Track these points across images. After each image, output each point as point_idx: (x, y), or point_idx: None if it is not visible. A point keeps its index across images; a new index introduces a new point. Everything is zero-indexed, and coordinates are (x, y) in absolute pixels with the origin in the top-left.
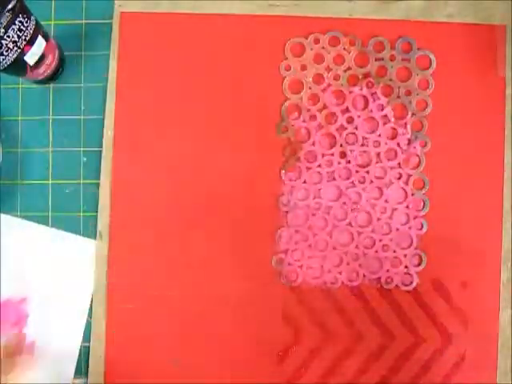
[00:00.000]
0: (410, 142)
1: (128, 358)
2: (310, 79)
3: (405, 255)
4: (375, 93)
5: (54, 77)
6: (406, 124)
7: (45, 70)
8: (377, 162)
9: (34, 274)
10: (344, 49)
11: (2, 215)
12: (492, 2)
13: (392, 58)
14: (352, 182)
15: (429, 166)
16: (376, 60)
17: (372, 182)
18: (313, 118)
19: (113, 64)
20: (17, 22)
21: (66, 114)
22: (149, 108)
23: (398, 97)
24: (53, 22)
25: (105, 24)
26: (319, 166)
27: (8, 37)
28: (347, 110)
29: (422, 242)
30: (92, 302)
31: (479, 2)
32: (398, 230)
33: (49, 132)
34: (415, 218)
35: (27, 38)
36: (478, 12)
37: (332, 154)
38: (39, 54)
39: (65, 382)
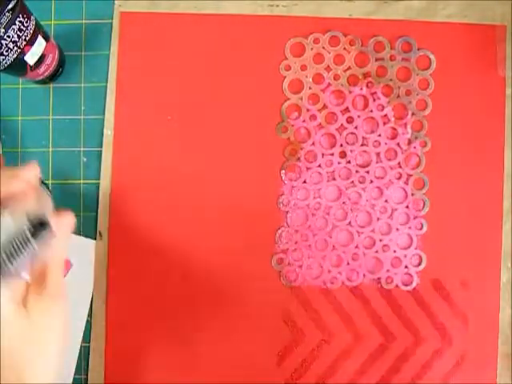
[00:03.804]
0: (409, 142)
1: (128, 359)
2: (310, 79)
3: (405, 255)
4: (375, 93)
5: (53, 77)
6: (406, 124)
7: (45, 70)
8: (377, 162)
9: None
10: (344, 49)
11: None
12: (492, 2)
13: (392, 58)
14: (352, 182)
15: (429, 166)
16: (376, 60)
17: (372, 181)
18: (313, 117)
19: (113, 64)
20: (17, 22)
21: (66, 114)
22: (149, 108)
23: (398, 97)
24: (53, 22)
25: (105, 24)
26: (319, 165)
27: (8, 37)
28: (347, 109)
29: (421, 242)
30: (92, 302)
31: (479, 2)
32: (397, 229)
33: (49, 132)
34: (415, 217)
35: (27, 38)
36: (478, 12)
37: (332, 154)
38: (39, 54)
39: (65, 381)
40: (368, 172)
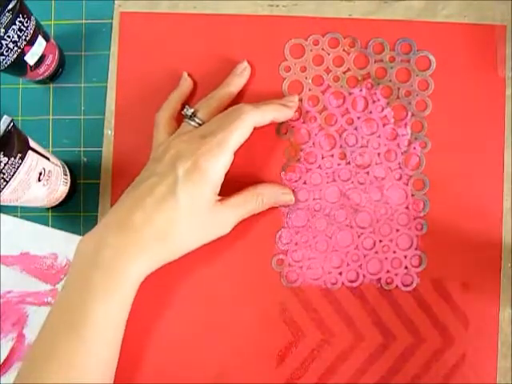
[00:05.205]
0: (409, 142)
1: (128, 358)
2: (310, 81)
3: (405, 256)
4: (375, 94)
5: (53, 77)
6: (405, 125)
7: (45, 70)
8: (377, 163)
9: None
10: (344, 50)
11: (2, 215)
12: (492, 2)
13: (391, 60)
14: (352, 183)
15: (429, 167)
16: (375, 61)
17: (372, 182)
18: (313, 119)
19: (113, 64)
20: (17, 22)
21: (66, 113)
22: (149, 108)
23: (398, 98)
24: (53, 22)
25: (105, 24)
26: (319, 167)
27: (8, 37)
28: (347, 111)
29: (422, 243)
30: None
31: (479, 2)
32: (398, 230)
33: (49, 132)
34: (415, 218)
35: (27, 38)
36: (478, 12)
37: (332, 156)
38: (39, 54)
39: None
40: (368, 173)
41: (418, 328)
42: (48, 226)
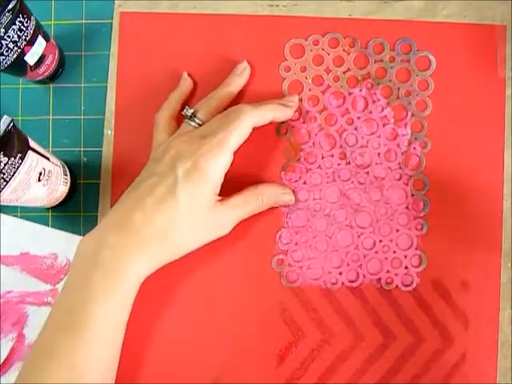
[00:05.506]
0: (409, 142)
1: (129, 359)
2: (310, 81)
3: (405, 256)
4: (375, 94)
5: (53, 77)
6: (405, 125)
7: (45, 70)
8: (377, 163)
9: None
10: (344, 50)
11: (2, 215)
12: (492, 2)
13: (391, 60)
14: (352, 183)
15: (429, 167)
16: (375, 61)
17: (372, 183)
18: (313, 119)
19: (113, 64)
20: (17, 22)
21: (66, 113)
22: (149, 108)
23: (398, 98)
24: (53, 22)
25: (105, 24)
26: (319, 167)
27: (8, 37)
28: (347, 111)
29: (422, 243)
30: None
31: (479, 2)
32: (398, 230)
33: (49, 132)
34: (415, 218)
35: (27, 38)
36: (478, 12)
37: (332, 156)
38: (39, 54)
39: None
40: (368, 173)
41: (418, 328)
42: (48, 226)
